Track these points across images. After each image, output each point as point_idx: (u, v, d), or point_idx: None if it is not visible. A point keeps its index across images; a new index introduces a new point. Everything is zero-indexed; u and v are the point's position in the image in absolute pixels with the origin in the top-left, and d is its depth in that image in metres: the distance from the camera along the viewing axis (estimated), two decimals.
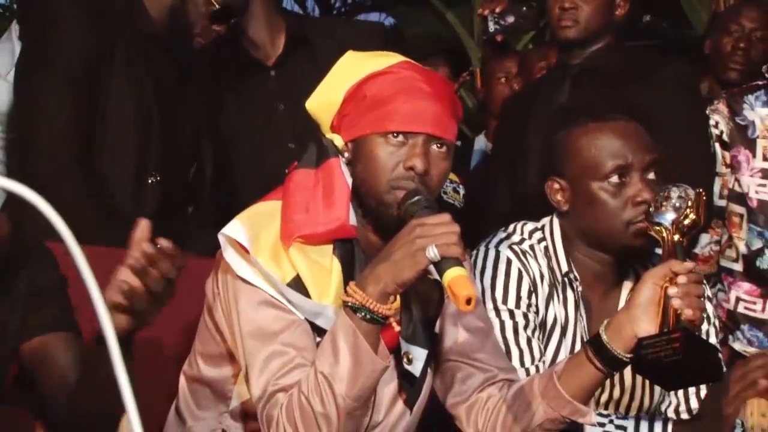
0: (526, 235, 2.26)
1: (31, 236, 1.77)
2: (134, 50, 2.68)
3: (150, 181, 2.69)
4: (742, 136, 3.25)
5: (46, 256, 1.83)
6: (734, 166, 3.26)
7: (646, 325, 1.86)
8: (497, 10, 3.89)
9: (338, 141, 1.94)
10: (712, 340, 2.30)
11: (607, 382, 2.21)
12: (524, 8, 3.89)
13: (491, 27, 3.88)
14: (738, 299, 3.25)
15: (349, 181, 1.92)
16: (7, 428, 1.83)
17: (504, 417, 1.96)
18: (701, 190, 2.00)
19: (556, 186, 2.24)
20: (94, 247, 2.16)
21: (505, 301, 2.18)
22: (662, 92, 2.95)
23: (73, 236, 1.01)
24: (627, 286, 2.27)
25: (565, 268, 2.22)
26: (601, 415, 2.14)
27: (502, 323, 2.17)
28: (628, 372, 2.21)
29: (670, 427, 2.11)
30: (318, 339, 1.87)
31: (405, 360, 1.95)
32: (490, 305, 2.18)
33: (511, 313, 2.18)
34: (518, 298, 2.18)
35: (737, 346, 3.23)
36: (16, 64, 2.82)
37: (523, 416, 1.93)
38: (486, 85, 4.05)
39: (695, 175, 2.97)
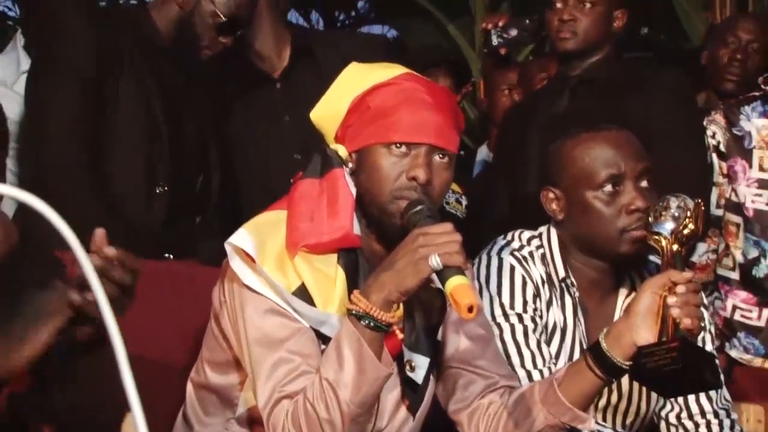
0: (524, 242, 2.26)
1: (40, 245, 1.76)
2: (142, 61, 2.69)
3: (158, 191, 2.70)
4: (739, 146, 3.25)
5: (55, 264, 1.82)
6: (731, 176, 3.25)
7: (645, 333, 1.86)
8: (500, 23, 3.90)
9: (342, 151, 1.94)
10: (709, 346, 2.30)
11: (605, 388, 2.21)
12: (527, 21, 3.90)
13: (495, 41, 3.88)
14: (734, 307, 3.25)
15: (353, 190, 1.92)
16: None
17: (505, 423, 1.95)
18: (700, 200, 2.00)
19: (551, 195, 2.24)
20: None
21: (512, 306, 2.18)
22: (659, 103, 2.95)
23: (81, 243, 1.01)
24: (623, 292, 2.27)
25: (562, 274, 2.23)
26: (601, 425, 2.13)
27: (512, 327, 2.17)
28: (625, 378, 2.20)
29: None
30: (323, 346, 1.87)
31: (408, 367, 1.95)
32: (498, 311, 2.18)
33: (520, 317, 2.18)
34: (524, 302, 2.19)
35: (734, 353, 3.23)
36: (27, 73, 2.83)
37: (523, 422, 1.93)
38: (489, 96, 4.06)
39: (692, 184, 2.96)
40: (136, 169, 2.66)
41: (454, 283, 1.70)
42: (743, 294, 3.25)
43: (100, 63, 2.62)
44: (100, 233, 1.53)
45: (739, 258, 3.24)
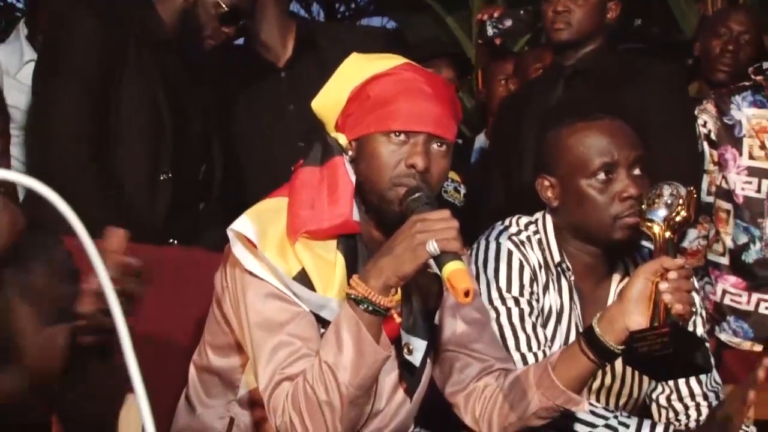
0: (522, 227, 2.26)
1: (46, 230, 1.75)
2: (146, 53, 2.69)
3: (162, 179, 2.69)
4: (729, 135, 3.25)
5: (62, 251, 1.81)
6: (721, 164, 3.26)
7: (638, 318, 1.86)
8: (495, 14, 3.90)
9: (342, 140, 1.94)
10: (699, 329, 2.30)
11: (599, 370, 2.21)
12: (521, 12, 3.90)
13: (490, 31, 3.88)
14: (724, 292, 3.25)
15: (353, 178, 1.91)
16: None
17: (501, 405, 1.95)
18: (692, 188, 2.00)
19: (546, 183, 2.24)
20: (98, 241, 2.15)
21: (509, 290, 2.18)
22: (652, 92, 2.95)
23: (88, 231, 1.00)
24: (616, 277, 2.27)
25: (558, 258, 2.22)
26: (606, 410, 2.14)
27: (508, 310, 2.17)
28: (618, 360, 2.20)
29: (671, 430, 2.10)
30: (322, 330, 1.87)
31: (405, 350, 1.95)
32: (495, 294, 2.18)
33: (517, 301, 2.18)
34: (521, 286, 2.19)
35: (723, 336, 3.23)
36: (34, 70, 2.83)
37: (519, 404, 1.93)
38: (487, 86, 4.06)
39: (683, 172, 2.96)
40: (140, 158, 2.66)
41: (451, 268, 1.70)
42: (733, 279, 3.25)
43: (105, 58, 2.62)
44: (119, 235, 1.50)
45: (729, 244, 3.24)
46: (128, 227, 2.62)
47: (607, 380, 2.25)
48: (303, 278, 1.86)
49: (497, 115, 3.55)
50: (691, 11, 5.91)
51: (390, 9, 7.22)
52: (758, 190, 3.20)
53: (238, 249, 1.88)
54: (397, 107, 1.88)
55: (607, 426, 2.09)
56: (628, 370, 2.25)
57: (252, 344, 1.87)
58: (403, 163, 1.86)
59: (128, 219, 2.60)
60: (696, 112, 3.25)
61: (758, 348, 3.21)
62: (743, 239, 3.22)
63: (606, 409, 2.14)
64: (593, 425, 2.09)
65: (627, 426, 2.09)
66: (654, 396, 2.31)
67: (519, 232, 2.25)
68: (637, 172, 2.17)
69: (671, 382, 2.28)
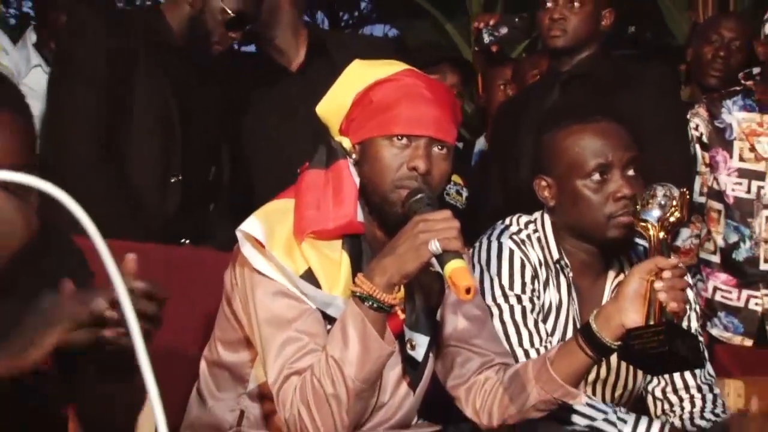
0: (522, 226, 2.26)
1: (61, 232, 1.75)
2: (155, 60, 2.69)
3: (172, 181, 2.69)
4: (720, 138, 3.25)
5: (75, 252, 1.80)
6: (713, 166, 3.25)
7: (633, 315, 1.86)
8: (491, 22, 3.91)
9: (346, 143, 1.94)
10: (694, 324, 2.30)
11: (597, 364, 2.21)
12: (516, 20, 3.91)
13: (486, 38, 3.89)
14: (715, 288, 3.25)
15: (357, 180, 1.92)
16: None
17: (501, 398, 1.95)
18: (685, 189, 2.00)
19: (543, 183, 2.24)
20: (118, 241, 2.16)
21: (512, 287, 2.18)
22: (645, 97, 2.94)
23: (100, 231, 1.00)
24: (612, 274, 2.27)
25: (556, 256, 2.22)
26: (606, 404, 2.13)
27: (511, 308, 2.17)
28: (614, 354, 2.21)
29: (667, 428, 2.10)
30: (329, 327, 1.87)
31: (408, 346, 1.95)
32: (498, 292, 2.18)
33: (519, 298, 2.17)
34: (523, 284, 2.18)
35: (714, 332, 3.23)
36: (49, 75, 2.83)
37: (518, 398, 1.93)
38: (486, 91, 4.06)
39: (676, 173, 2.96)
40: (150, 160, 2.66)
41: (453, 266, 1.70)
42: (724, 276, 3.25)
43: (115, 66, 2.63)
44: (130, 260, 1.50)
45: (720, 242, 3.24)
46: (139, 227, 2.63)
47: (603, 373, 2.25)
48: (310, 277, 1.86)
49: (496, 118, 3.55)
50: (683, 18, 5.91)
51: (391, 16, 7.22)
52: (748, 191, 3.20)
53: (246, 249, 1.88)
54: (399, 112, 1.88)
55: (606, 420, 2.08)
56: (624, 364, 2.24)
57: (261, 340, 1.87)
58: (406, 166, 1.86)
59: (139, 219, 2.60)
60: (688, 116, 3.24)
61: (748, 342, 3.21)
62: (734, 238, 3.22)
63: (605, 404, 2.14)
64: (593, 419, 2.08)
65: (625, 421, 2.09)
66: (650, 388, 2.31)
67: (519, 231, 2.25)
68: (631, 172, 2.16)
69: (666, 376, 2.27)
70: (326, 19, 8.37)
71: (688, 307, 2.25)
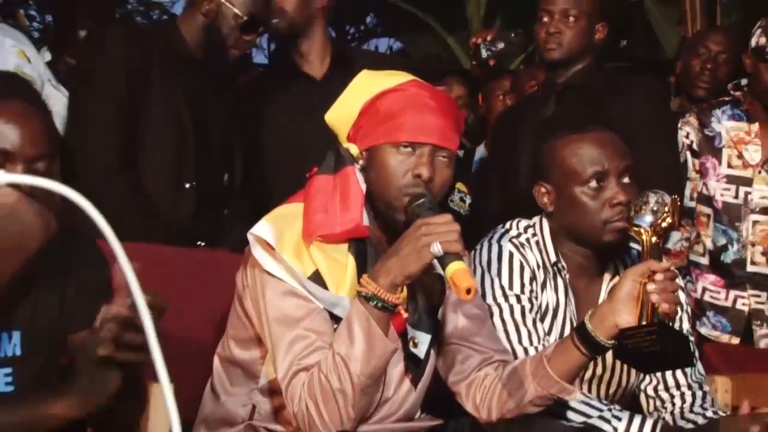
0: (521, 230, 2.25)
1: (83, 235, 1.73)
2: (170, 73, 2.69)
3: (186, 186, 2.69)
4: (710, 145, 3.24)
5: (97, 254, 1.78)
6: (702, 172, 3.24)
7: (627, 316, 1.85)
8: (489, 38, 3.92)
9: (354, 150, 1.93)
10: (686, 325, 2.29)
11: (591, 362, 2.20)
12: (512, 35, 3.92)
13: (484, 53, 3.90)
14: (704, 289, 3.24)
15: (363, 186, 1.91)
16: None
17: (499, 393, 1.94)
18: (676, 196, 1.99)
19: (543, 190, 2.23)
20: (135, 243, 2.15)
21: (511, 288, 2.17)
22: (636, 108, 2.93)
23: (118, 235, 0.99)
24: (607, 276, 2.25)
25: (554, 259, 2.21)
26: (601, 402, 2.12)
27: (511, 307, 2.16)
28: (609, 352, 2.19)
29: (659, 426, 2.09)
30: (335, 326, 1.85)
31: (411, 344, 1.94)
32: (498, 292, 2.17)
33: (518, 298, 2.17)
34: (522, 285, 2.18)
35: (703, 330, 3.22)
36: (70, 89, 2.85)
37: (516, 393, 1.92)
38: (486, 101, 4.07)
39: (665, 180, 2.95)
40: (165, 168, 2.66)
41: (454, 268, 1.70)
42: (712, 277, 3.24)
43: (132, 80, 2.64)
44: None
45: (709, 245, 3.23)
46: (155, 230, 2.62)
47: (599, 371, 2.24)
48: (317, 278, 1.85)
49: (495, 127, 3.54)
50: (673, 33, 5.90)
51: (396, 30, 7.23)
52: (736, 197, 3.19)
53: (257, 251, 1.87)
54: (405, 120, 1.87)
55: (601, 417, 2.07)
56: (618, 362, 2.23)
57: (271, 338, 1.86)
58: (410, 173, 1.86)
59: (155, 227, 2.60)
60: (679, 125, 3.24)
61: (735, 341, 3.20)
62: (722, 241, 3.21)
63: (601, 402, 2.13)
64: (588, 416, 2.07)
65: (619, 419, 2.07)
66: (642, 386, 2.30)
67: (519, 235, 2.24)
68: (626, 180, 2.15)
69: (658, 374, 2.26)
70: (333, 32, 8.37)
71: (679, 308, 2.25)
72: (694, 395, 2.26)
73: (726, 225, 3.19)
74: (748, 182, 3.18)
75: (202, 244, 2.73)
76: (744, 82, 3.23)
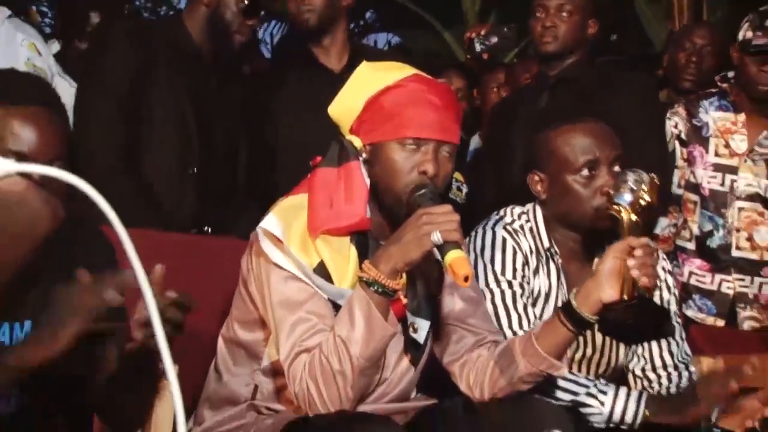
0: (515, 217, 2.25)
1: (90, 224, 1.72)
2: (174, 70, 2.68)
3: (189, 172, 2.67)
4: (698, 135, 3.24)
5: (103, 242, 1.77)
6: (690, 161, 3.24)
7: (609, 290, 1.86)
8: (482, 32, 3.91)
9: (357, 142, 1.92)
10: (673, 307, 2.29)
11: (581, 342, 2.20)
12: (505, 29, 3.92)
13: (478, 47, 3.91)
14: (691, 273, 3.24)
15: (367, 180, 1.90)
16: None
17: (491, 372, 1.94)
18: (653, 174, 2.00)
19: (536, 178, 2.22)
20: (142, 230, 2.14)
21: (503, 273, 2.17)
22: (626, 100, 2.93)
23: (120, 221, 0.97)
24: (597, 260, 2.24)
25: (546, 244, 2.21)
26: (587, 379, 2.12)
27: (502, 292, 2.16)
28: (599, 333, 2.21)
29: (644, 397, 2.09)
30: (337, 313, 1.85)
31: (411, 329, 1.94)
32: (491, 277, 2.17)
33: (510, 284, 2.16)
34: (514, 270, 2.17)
35: (690, 313, 3.21)
36: (78, 83, 2.84)
37: (507, 371, 1.92)
38: (481, 93, 4.06)
39: (654, 169, 2.94)
40: (168, 166, 2.65)
41: (453, 255, 1.70)
42: (698, 262, 3.23)
43: (136, 79, 2.63)
44: (158, 271, 1.48)
45: (696, 231, 3.22)
46: (160, 219, 2.61)
47: (588, 351, 2.24)
48: (322, 269, 1.85)
49: (490, 119, 3.53)
50: (661, 28, 5.88)
51: (394, 25, 7.21)
52: (722, 184, 3.19)
53: (267, 245, 1.86)
54: (409, 118, 1.86)
55: (588, 394, 2.08)
56: (607, 342, 2.24)
57: (274, 320, 1.86)
58: (416, 170, 1.85)
59: (159, 212, 2.59)
60: (668, 115, 3.25)
61: (720, 323, 3.20)
62: (708, 227, 3.20)
63: (587, 378, 2.12)
64: (576, 393, 2.08)
65: (605, 393, 2.08)
66: (630, 367, 2.29)
67: (512, 222, 2.24)
68: (616, 168, 2.15)
69: (646, 354, 2.27)
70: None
71: (667, 291, 2.25)
72: (680, 375, 2.26)
73: (712, 211, 3.19)
74: (734, 170, 3.18)
75: (209, 230, 2.72)
76: (731, 74, 3.22)
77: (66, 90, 2.96)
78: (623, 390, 2.09)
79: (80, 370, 1.60)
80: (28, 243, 0.94)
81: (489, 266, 2.17)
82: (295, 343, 1.82)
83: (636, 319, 1.83)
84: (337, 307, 1.85)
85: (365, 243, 1.89)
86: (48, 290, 1.61)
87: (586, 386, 2.09)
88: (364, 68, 1.97)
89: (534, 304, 2.18)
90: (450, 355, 2.01)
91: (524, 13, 3.18)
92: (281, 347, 1.84)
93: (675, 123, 3.24)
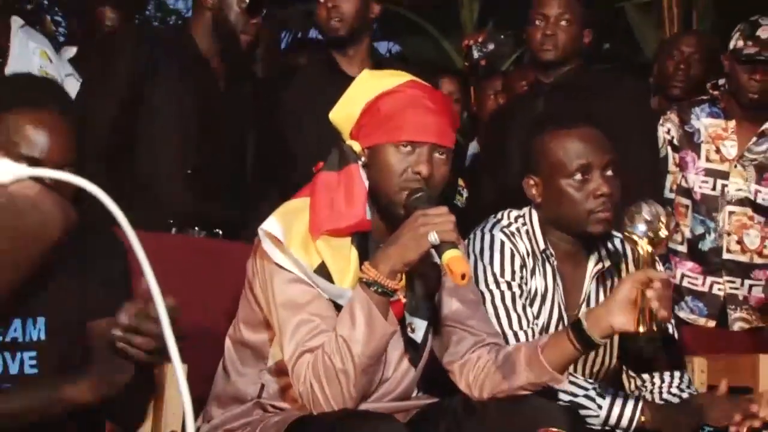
0: (512, 220, 2.24)
1: (102, 227, 1.71)
2: (179, 69, 2.67)
3: (188, 172, 2.66)
4: (690, 141, 3.24)
5: (116, 245, 1.76)
6: (682, 166, 3.24)
7: (621, 318, 1.84)
8: (480, 39, 3.91)
9: (356, 147, 1.92)
10: (670, 327, 2.28)
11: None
12: (502, 36, 3.92)
13: (475, 54, 3.90)
14: (683, 275, 3.23)
15: (366, 183, 1.90)
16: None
17: (493, 376, 1.93)
18: (670, 209, 1.99)
19: (531, 182, 2.22)
20: (153, 233, 2.14)
21: (502, 275, 2.16)
22: (619, 106, 2.93)
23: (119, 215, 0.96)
24: (592, 261, 2.24)
25: (542, 246, 2.21)
26: (587, 381, 2.12)
27: (501, 293, 2.15)
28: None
29: (640, 404, 2.08)
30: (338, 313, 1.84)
31: (409, 329, 1.94)
32: (490, 279, 2.16)
33: (509, 285, 2.16)
34: (513, 272, 2.17)
35: (682, 314, 3.21)
36: (82, 81, 2.84)
37: (509, 378, 1.91)
38: (478, 100, 4.05)
39: (645, 173, 2.95)
40: (168, 153, 2.64)
41: (450, 255, 1.70)
42: (690, 264, 3.23)
43: (138, 80, 2.63)
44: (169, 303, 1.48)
45: (688, 234, 3.22)
46: (160, 218, 2.59)
47: None
48: (323, 270, 1.84)
49: (487, 125, 3.53)
50: (652, 37, 5.87)
51: (394, 34, 7.20)
52: (713, 189, 3.19)
53: (267, 245, 1.86)
54: (404, 121, 1.86)
55: (587, 396, 2.08)
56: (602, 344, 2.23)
57: (278, 322, 1.85)
58: (410, 170, 1.84)
59: (161, 211, 2.58)
60: (661, 121, 3.26)
61: (711, 324, 3.20)
62: (700, 230, 3.20)
63: (586, 381, 2.12)
64: (574, 395, 2.08)
65: (603, 397, 2.08)
66: (624, 367, 2.29)
67: (509, 225, 2.23)
68: (609, 173, 2.15)
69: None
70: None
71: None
72: (672, 375, 2.25)
73: (704, 215, 3.18)
74: (724, 175, 3.18)
75: (220, 232, 2.71)
76: (722, 82, 3.23)
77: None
78: (621, 395, 2.09)
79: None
80: (40, 245, 0.94)
81: (488, 268, 2.17)
82: (298, 344, 1.82)
83: (660, 354, 1.82)
84: (338, 308, 1.85)
85: (366, 244, 1.89)
86: (62, 289, 1.61)
87: (585, 389, 2.09)
88: (364, 75, 1.97)
89: (531, 305, 2.18)
90: (450, 355, 2.01)
91: (521, 22, 3.18)
92: (285, 348, 1.83)
93: (667, 129, 3.25)
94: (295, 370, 1.81)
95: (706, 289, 3.20)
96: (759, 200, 3.15)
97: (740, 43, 3.13)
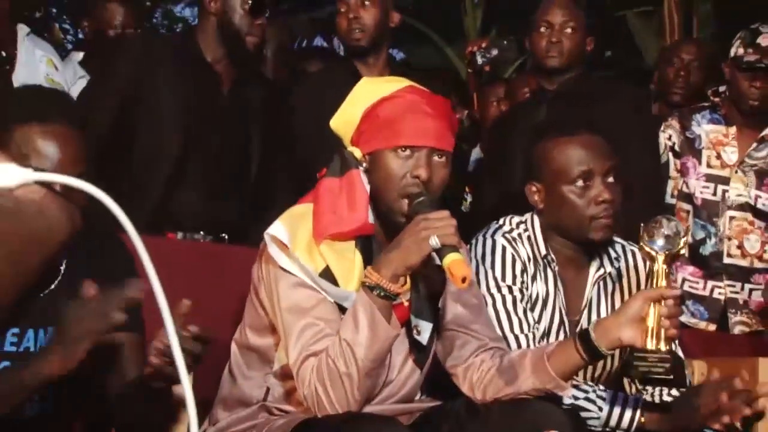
0: (514, 226, 2.24)
1: (109, 233, 1.71)
2: (178, 72, 2.67)
3: (190, 180, 2.66)
4: (691, 146, 3.25)
5: (123, 251, 1.76)
6: (683, 172, 3.25)
7: (629, 332, 1.84)
8: (483, 45, 3.91)
9: (357, 153, 1.92)
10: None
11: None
12: (505, 42, 3.92)
13: (479, 60, 3.90)
14: (684, 279, 3.23)
15: (367, 188, 1.90)
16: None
17: (497, 380, 1.93)
18: (687, 225, 1.98)
19: (534, 188, 2.22)
20: (152, 237, 2.13)
21: (503, 279, 2.16)
22: (620, 113, 2.93)
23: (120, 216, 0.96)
24: (593, 267, 2.24)
25: (544, 252, 2.20)
26: (587, 384, 2.11)
27: (503, 297, 2.15)
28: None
29: (641, 403, 2.08)
30: (343, 317, 1.84)
31: (414, 332, 1.93)
32: (492, 283, 2.16)
33: (510, 289, 2.15)
34: (514, 276, 2.16)
35: (683, 318, 3.20)
36: (88, 79, 2.86)
37: (514, 383, 1.90)
38: (481, 107, 4.05)
39: (647, 179, 2.95)
40: (166, 157, 2.64)
41: (451, 258, 1.70)
42: (691, 268, 3.23)
43: (139, 85, 2.64)
44: (185, 305, 1.49)
45: (689, 239, 3.22)
46: (161, 219, 2.58)
47: None
48: (327, 274, 1.84)
49: (490, 131, 3.53)
50: (653, 44, 5.88)
51: (399, 42, 7.22)
52: (714, 194, 3.19)
53: (273, 249, 1.86)
54: (403, 126, 1.85)
55: (587, 399, 2.07)
56: None
57: (283, 326, 1.85)
58: (410, 174, 1.84)
59: (162, 213, 2.58)
60: (662, 128, 3.27)
61: (712, 327, 3.19)
62: (701, 235, 3.20)
63: (587, 383, 2.12)
64: (575, 398, 2.07)
65: (604, 399, 2.07)
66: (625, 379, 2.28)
67: (511, 230, 2.23)
68: (610, 179, 2.15)
69: None
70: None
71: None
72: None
73: (705, 220, 3.18)
74: (725, 181, 3.18)
75: (226, 236, 2.71)
76: (722, 88, 3.23)
77: None
78: (621, 396, 2.08)
79: (95, 373, 1.60)
80: (46, 250, 0.93)
81: (490, 273, 2.17)
82: (303, 348, 1.81)
83: (668, 376, 1.82)
84: (343, 311, 1.85)
85: (369, 248, 1.88)
86: (70, 296, 1.61)
87: (585, 391, 2.08)
88: (364, 81, 1.98)
89: (532, 310, 2.18)
90: (453, 359, 2.00)
91: (524, 29, 3.18)
92: (290, 351, 1.83)
93: (669, 135, 3.25)
94: (300, 374, 1.81)
95: (706, 293, 3.19)
96: (759, 205, 3.15)
97: (741, 51, 3.13)
